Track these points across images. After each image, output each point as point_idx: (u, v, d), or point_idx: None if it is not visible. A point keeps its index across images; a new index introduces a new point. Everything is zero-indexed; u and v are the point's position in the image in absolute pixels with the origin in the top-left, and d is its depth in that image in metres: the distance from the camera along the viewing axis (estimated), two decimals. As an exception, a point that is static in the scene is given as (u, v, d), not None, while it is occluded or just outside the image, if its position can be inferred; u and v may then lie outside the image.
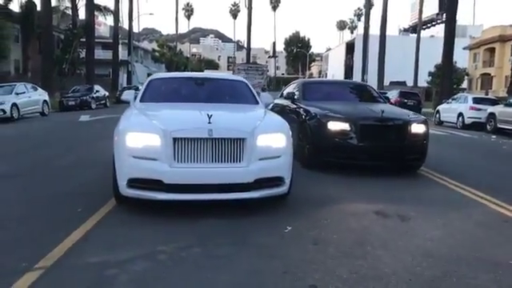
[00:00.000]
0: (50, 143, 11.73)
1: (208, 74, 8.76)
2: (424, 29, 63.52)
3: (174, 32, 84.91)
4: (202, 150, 4.79)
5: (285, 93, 10.30)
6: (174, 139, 4.76)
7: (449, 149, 12.44)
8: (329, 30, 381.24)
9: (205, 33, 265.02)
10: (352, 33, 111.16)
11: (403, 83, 47.75)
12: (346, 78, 66.61)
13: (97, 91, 28.66)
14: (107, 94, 30.47)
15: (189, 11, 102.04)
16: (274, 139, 5.15)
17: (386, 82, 46.43)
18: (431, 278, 3.52)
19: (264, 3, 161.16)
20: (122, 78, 49.70)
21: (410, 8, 72.86)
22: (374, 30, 48.21)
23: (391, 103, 11.25)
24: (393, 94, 30.19)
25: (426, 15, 59.56)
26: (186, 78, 7.73)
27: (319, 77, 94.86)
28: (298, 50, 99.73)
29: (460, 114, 20.72)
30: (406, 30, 72.47)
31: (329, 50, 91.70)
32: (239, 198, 4.94)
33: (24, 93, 18.71)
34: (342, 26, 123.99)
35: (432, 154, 10.05)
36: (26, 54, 43.39)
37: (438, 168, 8.21)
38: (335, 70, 73.82)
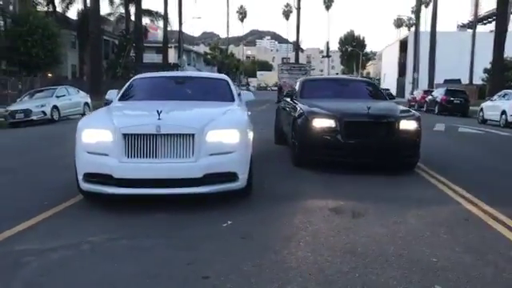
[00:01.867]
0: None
1: (190, 73, 8.92)
2: (485, 23, 60.55)
3: (232, 35, 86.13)
4: (150, 145, 4.94)
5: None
6: (124, 135, 4.94)
7: (468, 147, 11.92)
8: (386, 28, 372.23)
9: (261, 35, 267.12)
10: (409, 30, 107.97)
11: (457, 81, 45.70)
12: (399, 76, 64.87)
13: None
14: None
15: (242, 14, 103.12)
16: (226, 135, 5.20)
17: (440, 80, 44.73)
18: (332, 274, 3.45)
19: (318, 3, 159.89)
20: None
21: (470, 2, 69.75)
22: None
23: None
24: (439, 92, 29.19)
25: (485, 10, 56.78)
26: (168, 77, 7.93)
27: (375, 76, 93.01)
28: (352, 50, 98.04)
29: (503, 112, 19.65)
30: (464, 26, 69.39)
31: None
32: (188, 192, 5.04)
33: (64, 95, 19.74)
34: (399, 23, 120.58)
35: (444, 153, 9.74)
36: (81, 59, 45.61)
37: (440, 167, 7.93)
38: (388, 69, 72.00)
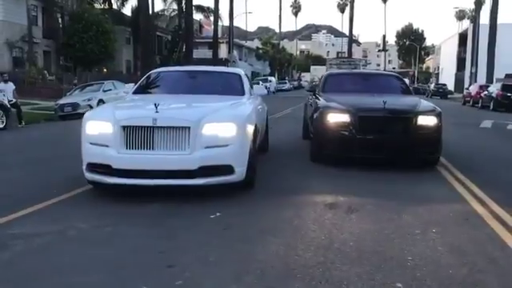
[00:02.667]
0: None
1: (205, 67, 8.98)
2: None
3: (288, 30, 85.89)
4: (147, 137, 5.09)
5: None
6: (123, 127, 5.12)
7: (510, 146, 11.33)
8: (447, 20, 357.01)
9: (317, 29, 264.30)
10: (471, 23, 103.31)
11: (521, 76, 43.23)
12: (457, 71, 62.35)
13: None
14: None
15: (296, 8, 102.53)
16: (222, 128, 5.26)
17: (501, 74, 42.49)
18: (295, 267, 3.44)
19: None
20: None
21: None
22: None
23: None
24: (495, 87, 27.80)
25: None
26: (182, 71, 8.08)
27: (433, 71, 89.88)
28: (410, 43, 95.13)
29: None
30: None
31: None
32: (183, 184, 5.16)
33: (111, 90, 20.47)
34: (461, 15, 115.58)
35: (477, 151, 9.37)
36: (136, 54, 47.05)
37: (466, 166, 7.66)
38: (447, 63, 69.29)
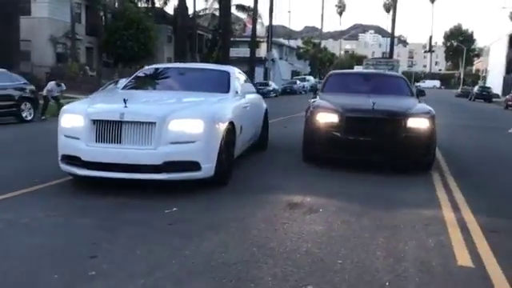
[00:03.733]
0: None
1: (194, 64, 9.03)
2: None
3: (336, 29, 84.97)
4: (115, 131, 5.21)
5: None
6: (93, 121, 5.27)
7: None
8: (499, 21, 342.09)
9: (365, 29, 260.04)
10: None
11: None
12: (506, 74, 59.79)
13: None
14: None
15: (341, 7, 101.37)
16: (189, 124, 5.31)
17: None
18: (215, 264, 3.44)
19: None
20: (261, 75, 51.73)
21: None
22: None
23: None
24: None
25: None
26: (171, 68, 8.17)
27: (481, 73, 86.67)
28: (458, 45, 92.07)
29: None
30: None
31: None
32: (147, 178, 5.25)
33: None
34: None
35: (486, 157, 9.11)
36: (176, 52, 47.87)
37: (464, 172, 7.51)
38: (495, 66, 66.57)
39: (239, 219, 4.58)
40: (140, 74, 7.48)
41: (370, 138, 6.97)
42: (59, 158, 5.59)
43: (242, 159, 7.18)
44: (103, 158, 5.23)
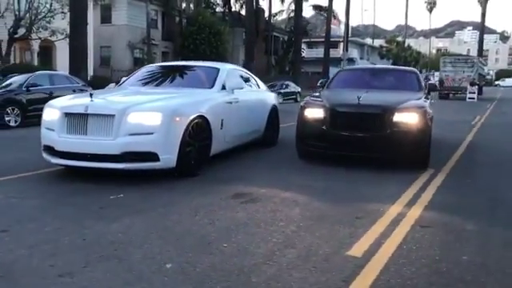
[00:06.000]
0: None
1: (187, 62, 9.26)
2: None
3: (428, 27, 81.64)
4: (82, 123, 5.69)
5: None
6: (65, 114, 5.79)
7: None
8: None
9: (462, 25, 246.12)
10: None
11: None
12: None
13: (286, 86, 30.89)
14: (299, 90, 32.27)
15: (431, 4, 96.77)
16: (147, 117, 5.64)
17: None
18: (102, 242, 3.72)
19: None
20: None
21: None
22: None
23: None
24: None
25: None
26: (164, 66, 8.55)
27: None
28: None
29: None
30: None
31: None
32: (107, 167, 5.64)
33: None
34: None
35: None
36: (252, 54, 48.78)
37: (463, 171, 7.14)
38: None
39: (170, 205, 4.82)
40: (138, 71, 7.96)
41: (356, 133, 6.84)
42: (41, 148, 6.17)
43: (239, 153, 7.47)
44: (71, 147, 5.72)
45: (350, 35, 69.34)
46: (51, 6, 23.48)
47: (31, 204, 4.84)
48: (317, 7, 52.08)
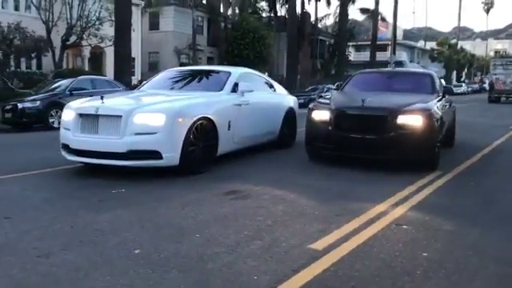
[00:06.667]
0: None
1: (197, 67, 9.61)
2: None
3: (486, 29, 78.89)
4: (93, 123, 6.17)
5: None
6: (79, 114, 6.30)
7: None
8: None
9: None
10: None
11: None
12: None
13: (328, 89, 30.93)
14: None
15: (488, 4, 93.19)
16: (152, 118, 6.04)
17: None
18: (87, 230, 4.10)
19: None
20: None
21: None
22: None
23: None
24: None
25: None
26: (181, 70, 8.95)
27: None
28: None
29: None
30: None
31: None
32: (114, 164, 6.08)
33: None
34: None
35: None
36: (298, 58, 48.92)
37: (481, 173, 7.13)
38: None
39: (163, 199, 5.16)
40: (157, 76, 8.43)
41: (361, 135, 6.94)
42: (60, 147, 6.70)
43: (252, 153, 7.92)
44: (84, 146, 6.21)
45: (401, 38, 68.12)
46: (99, 14, 24.70)
47: (41, 196, 5.32)
48: (364, 10, 51.51)
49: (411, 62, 63.98)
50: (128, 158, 5.99)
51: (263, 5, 47.87)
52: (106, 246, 3.73)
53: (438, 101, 7.85)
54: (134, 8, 30.35)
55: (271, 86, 9.17)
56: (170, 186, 5.84)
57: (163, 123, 6.00)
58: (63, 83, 16.14)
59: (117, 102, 6.78)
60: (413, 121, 6.76)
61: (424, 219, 4.71)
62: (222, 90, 7.36)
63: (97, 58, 29.64)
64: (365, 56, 55.31)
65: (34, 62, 26.18)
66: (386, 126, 6.76)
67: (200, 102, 6.74)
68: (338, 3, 50.54)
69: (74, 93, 15.04)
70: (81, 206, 4.87)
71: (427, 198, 5.56)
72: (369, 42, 54.46)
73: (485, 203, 5.46)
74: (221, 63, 39.66)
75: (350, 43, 53.61)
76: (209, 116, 6.58)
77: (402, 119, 6.74)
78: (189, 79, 8.08)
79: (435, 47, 67.59)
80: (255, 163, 7.61)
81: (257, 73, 9.43)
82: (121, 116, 5.99)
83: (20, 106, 14.18)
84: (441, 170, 7.06)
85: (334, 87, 9.60)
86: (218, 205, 5.02)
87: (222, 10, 40.11)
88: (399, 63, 57.64)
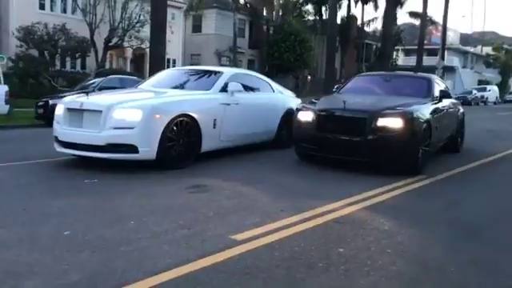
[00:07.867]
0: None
1: (194, 67, 9.79)
2: None
3: None
4: (77, 117, 6.58)
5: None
6: (68, 109, 6.73)
7: None
8: None
9: None
10: None
11: None
12: None
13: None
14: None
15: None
16: (129, 113, 6.36)
17: None
18: (33, 215, 4.45)
19: None
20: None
21: None
22: None
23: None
24: None
25: None
26: (178, 69, 9.20)
27: None
28: None
29: None
30: None
31: None
32: (93, 156, 6.44)
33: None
34: None
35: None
36: (342, 62, 48.55)
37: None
38: None
39: (125, 191, 5.45)
40: (156, 75, 8.80)
41: (342, 137, 6.96)
42: (53, 139, 7.17)
43: (242, 152, 8.09)
44: (70, 138, 6.62)
45: (458, 42, 65.81)
46: (139, 16, 25.65)
47: (17, 182, 5.73)
48: (413, 14, 50.31)
49: (464, 67, 61.77)
50: (106, 151, 6.33)
51: (309, 8, 47.82)
52: (41, 227, 4.05)
53: (433, 104, 7.73)
54: (176, 11, 31.37)
55: (270, 87, 9.31)
56: (141, 178, 6.12)
57: (139, 119, 6.30)
58: (96, 81, 16.96)
59: (100, 98, 7.17)
60: (392, 123, 6.72)
61: (368, 219, 4.74)
62: (210, 89, 7.60)
63: (139, 59, 30.72)
64: (414, 60, 53.93)
65: (78, 62, 27.49)
66: (366, 129, 6.75)
67: (181, 100, 7.01)
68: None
69: (104, 90, 15.74)
70: (44, 193, 5.24)
71: (391, 199, 5.55)
72: (413, 47, 53.25)
73: (445, 208, 5.39)
74: (262, 66, 40.05)
75: (399, 47, 52.55)
76: (190, 113, 6.82)
77: (381, 122, 6.72)
78: (183, 78, 8.37)
79: (491, 52, 64.88)
80: (239, 161, 7.77)
81: (254, 74, 9.60)
82: (101, 111, 6.35)
83: (51, 102, 14.98)
84: (425, 175, 6.98)
85: (333, 89, 9.60)
86: (173, 197, 5.25)
87: (264, 14, 40.40)
88: (450, 69, 55.90)
